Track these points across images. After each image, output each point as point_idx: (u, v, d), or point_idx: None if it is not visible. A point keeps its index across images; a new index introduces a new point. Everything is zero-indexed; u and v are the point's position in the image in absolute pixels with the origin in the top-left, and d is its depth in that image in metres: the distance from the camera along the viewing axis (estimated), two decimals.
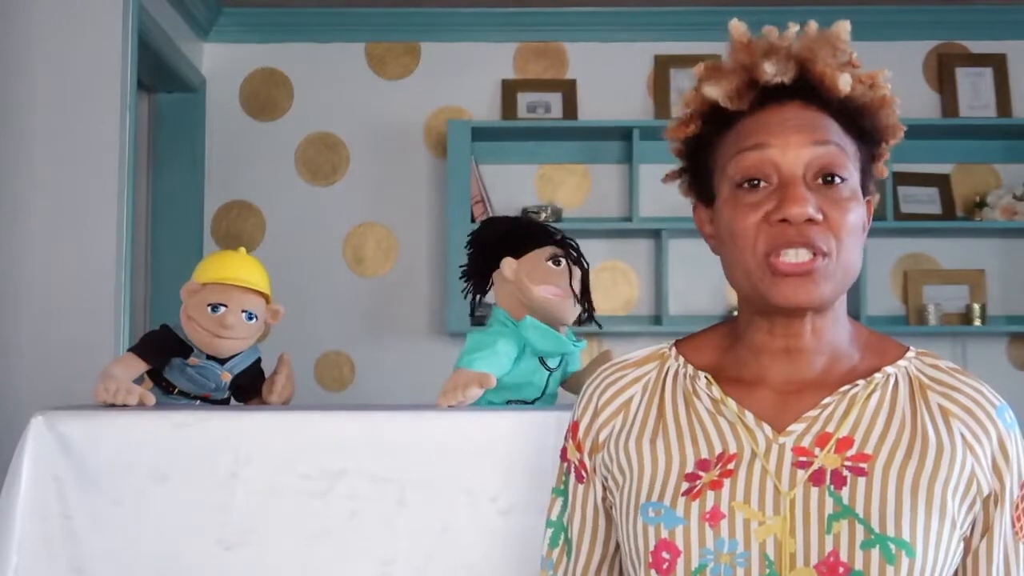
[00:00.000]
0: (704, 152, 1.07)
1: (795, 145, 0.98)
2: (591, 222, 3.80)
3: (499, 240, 1.61)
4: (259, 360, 1.69)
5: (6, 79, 2.82)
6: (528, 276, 1.56)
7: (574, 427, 1.13)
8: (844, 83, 1.00)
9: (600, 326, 1.63)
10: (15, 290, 2.79)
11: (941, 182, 3.84)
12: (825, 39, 1.01)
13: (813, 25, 1.02)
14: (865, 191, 1.04)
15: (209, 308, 1.56)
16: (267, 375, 1.72)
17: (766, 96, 1.02)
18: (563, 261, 1.58)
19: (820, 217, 0.97)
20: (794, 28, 1.02)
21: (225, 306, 1.56)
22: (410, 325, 3.81)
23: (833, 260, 0.98)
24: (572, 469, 1.13)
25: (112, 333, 2.82)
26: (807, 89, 1.01)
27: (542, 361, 1.58)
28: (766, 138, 0.99)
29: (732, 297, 3.83)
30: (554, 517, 1.15)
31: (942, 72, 3.85)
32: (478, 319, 3.56)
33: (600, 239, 3.83)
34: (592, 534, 1.12)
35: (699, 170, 1.09)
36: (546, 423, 1.33)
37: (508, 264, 1.57)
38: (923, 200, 3.81)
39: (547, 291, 1.56)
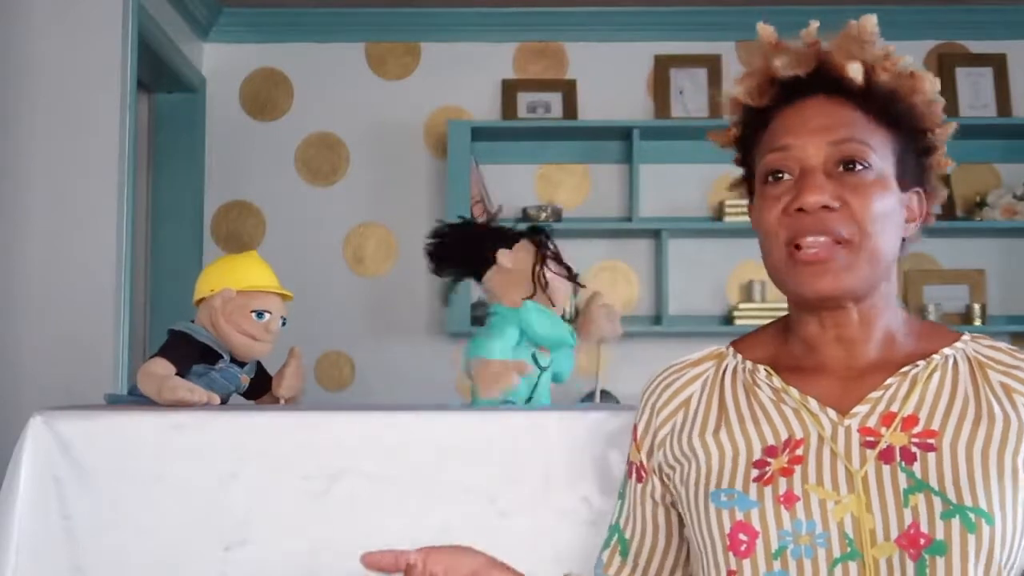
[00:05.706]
0: (749, 153, 1.10)
1: (814, 145, 1.01)
2: (591, 222, 3.79)
3: (484, 237, 1.70)
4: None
5: (6, 79, 2.81)
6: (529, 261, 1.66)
7: (634, 429, 1.14)
8: (854, 71, 1.02)
9: (583, 285, 1.77)
10: (15, 290, 2.79)
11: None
12: (849, 34, 1.03)
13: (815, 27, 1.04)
14: (909, 182, 1.05)
15: (255, 315, 1.59)
16: (270, 373, 1.73)
17: (789, 92, 1.04)
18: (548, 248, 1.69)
19: (837, 205, 0.99)
20: (815, 24, 1.04)
21: (270, 313, 1.61)
22: (410, 325, 3.81)
23: (856, 247, 0.99)
24: (633, 470, 1.14)
25: (112, 333, 2.82)
26: (829, 82, 1.03)
27: (535, 358, 1.59)
28: (788, 140, 1.02)
29: (732, 297, 3.84)
30: (613, 521, 1.16)
31: (942, 72, 3.84)
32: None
33: (600, 239, 3.83)
34: (653, 532, 1.12)
35: (749, 171, 1.12)
36: (546, 424, 1.33)
37: (504, 255, 1.64)
38: None
39: (552, 275, 1.66)
